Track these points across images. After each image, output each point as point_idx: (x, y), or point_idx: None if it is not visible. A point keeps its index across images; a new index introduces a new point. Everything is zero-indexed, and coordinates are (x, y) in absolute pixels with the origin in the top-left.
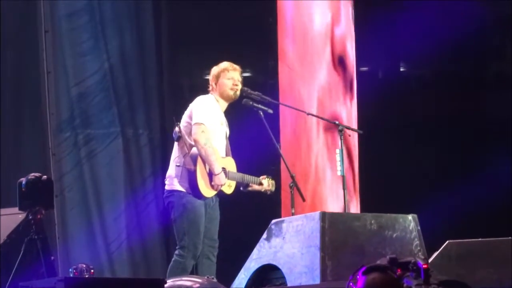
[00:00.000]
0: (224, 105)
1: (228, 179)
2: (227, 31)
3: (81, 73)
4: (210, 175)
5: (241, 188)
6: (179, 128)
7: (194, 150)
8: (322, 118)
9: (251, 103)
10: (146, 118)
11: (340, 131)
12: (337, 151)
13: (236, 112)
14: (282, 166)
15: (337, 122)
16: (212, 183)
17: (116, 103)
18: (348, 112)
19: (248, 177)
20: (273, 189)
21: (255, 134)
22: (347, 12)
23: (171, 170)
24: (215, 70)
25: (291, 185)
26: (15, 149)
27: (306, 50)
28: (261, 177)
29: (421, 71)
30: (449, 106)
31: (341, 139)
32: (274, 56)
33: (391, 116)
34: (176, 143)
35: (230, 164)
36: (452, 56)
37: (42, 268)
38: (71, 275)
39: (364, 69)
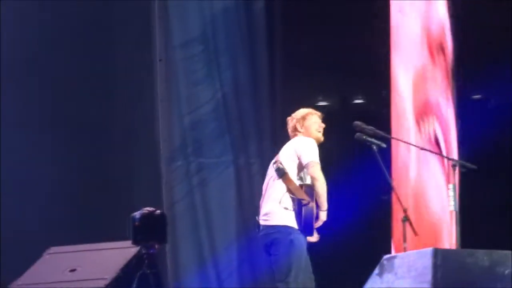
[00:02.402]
0: None
1: None
2: (340, 60)
3: (194, 101)
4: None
5: None
6: (282, 165)
7: (308, 187)
8: (436, 153)
9: (364, 137)
10: (258, 147)
11: (454, 166)
12: (450, 186)
13: (347, 145)
14: (394, 199)
15: (451, 158)
16: (318, 219)
17: (228, 132)
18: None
19: None
20: None
21: (366, 168)
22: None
23: (273, 207)
24: (299, 113)
25: (403, 219)
26: (128, 178)
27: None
28: None
29: None
30: None
31: (454, 174)
32: (387, 85)
33: (499, 151)
34: (277, 180)
35: None
36: None
37: None
38: None
39: (476, 96)
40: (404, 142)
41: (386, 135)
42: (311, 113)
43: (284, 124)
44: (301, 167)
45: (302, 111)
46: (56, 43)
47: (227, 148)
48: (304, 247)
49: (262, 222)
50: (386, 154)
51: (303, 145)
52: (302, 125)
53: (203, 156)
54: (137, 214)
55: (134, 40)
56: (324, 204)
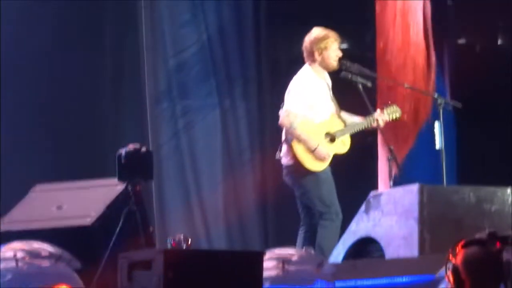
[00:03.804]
0: (323, 73)
1: (337, 138)
2: (325, 5)
3: (179, 44)
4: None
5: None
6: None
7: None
8: (421, 92)
9: (350, 76)
10: (243, 90)
11: (439, 104)
12: (436, 123)
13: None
14: (379, 138)
15: (436, 96)
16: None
17: (213, 75)
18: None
19: (359, 125)
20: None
21: (351, 107)
22: None
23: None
24: (319, 39)
25: (389, 158)
26: (114, 119)
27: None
28: (376, 115)
29: None
30: None
31: (439, 112)
32: (372, 29)
33: (487, 91)
34: None
35: (335, 124)
36: None
37: (141, 240)
38: (169, 246)
39: (462, 41)
40: (389, 80)
41: (372, 73)
42: (332, 40)
43: (269, 68)
44: None
45: (321, 35)
46: None
47: (212, 91)
48: (328, 177)
49: (283, 162)
50: (372, 94)
51: (292, 87)
52: (321, 53)
53: (188, 98)
54: (122, 151)
55: None
56: (308, 145)
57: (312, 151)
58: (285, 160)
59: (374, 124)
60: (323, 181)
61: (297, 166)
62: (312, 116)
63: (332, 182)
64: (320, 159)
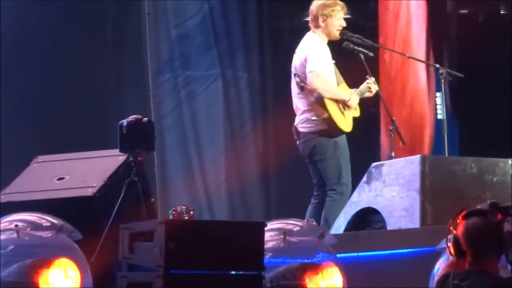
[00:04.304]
0: (325, 41)
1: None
2: None
3: (181, 14)
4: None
5: None
6: (299, 78)
7: (316, 96)
8: (422, 61)
9: (351, 46)
10: (245, 60)
11: (441, 74)
12: (437, 94)
13: (335, 55)
14: (382, 109)
15: (437, 65)
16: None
17: (216, 45)
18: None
19: (360, 91)
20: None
21: (354, 77)
22: None
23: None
24: (326, 6)
25: (391, 128)
26: (116, 91)
27: None
28: (366, 85)
29: None
30: None
31: (441, 83)
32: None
33: (489, 60)
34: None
35: (344, 89)
36: None
37: (142, 210)
38: (171, 217)
39: (464, 11)
40: (391, 50)
41: (373, 44)
42: (338, 8)
43: (271, 37)
44: None
45: (329, 1)
46: None
47: (214, 61)
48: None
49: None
50: (375, 64)
51: (309, 52)
52: (325, 20)
53: (190, 69)
54: (124, 121)
55: None
56: (342, 98)
57: (347, 101)
58: (307, 125)
59: (368, 94)
60: (341, 150)
61: (326, 128)
62: (330, 79)
63: (348, 154)
64: (353, 106)
